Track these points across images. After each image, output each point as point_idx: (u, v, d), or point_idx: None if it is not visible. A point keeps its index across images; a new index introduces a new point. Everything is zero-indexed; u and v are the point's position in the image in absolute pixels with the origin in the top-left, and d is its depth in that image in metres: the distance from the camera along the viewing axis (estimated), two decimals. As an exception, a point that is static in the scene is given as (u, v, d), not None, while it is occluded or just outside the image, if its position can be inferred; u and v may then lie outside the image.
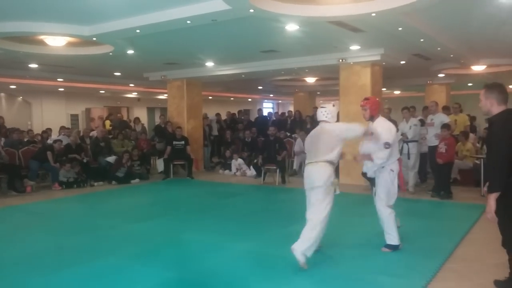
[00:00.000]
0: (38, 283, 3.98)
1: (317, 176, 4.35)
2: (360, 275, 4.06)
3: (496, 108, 3.34)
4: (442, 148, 7.57)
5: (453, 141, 7.95)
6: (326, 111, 4.52)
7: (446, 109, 9.56)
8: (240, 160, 11.31)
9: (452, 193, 7.61)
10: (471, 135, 10.54)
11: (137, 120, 13.97)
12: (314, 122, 11.73)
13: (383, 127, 4.68)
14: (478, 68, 11.25)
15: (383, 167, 4.69)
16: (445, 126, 7.77)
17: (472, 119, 13.59)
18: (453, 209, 6.93)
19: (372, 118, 4.78)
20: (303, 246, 4.15)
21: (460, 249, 4.81)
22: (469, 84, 16.79)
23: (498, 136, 3.24)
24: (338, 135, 4.40)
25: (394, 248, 4.68)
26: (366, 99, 4.87)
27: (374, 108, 4.76)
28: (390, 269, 4.20)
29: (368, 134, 4.63)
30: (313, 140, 4.54)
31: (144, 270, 4.25)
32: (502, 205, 3.19)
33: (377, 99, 5.03)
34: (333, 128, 4.46)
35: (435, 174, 8.03)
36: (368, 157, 4.75)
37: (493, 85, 3.40)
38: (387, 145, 4.57)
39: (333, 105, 4.61)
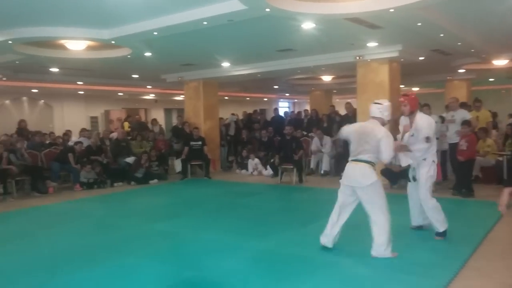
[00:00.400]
0: (61, 282, 4.05)
1: (363, 176, 4.40)
2: (381, 274, 4.02)
3: None
4: (463, 145, 7.44)
5: (474, 138, 7.80)
6: (382, 108, 4.54)
7: (464, 105, 9.39)
8: (256, 160, 11.32)
9: (474, 191, 7.47)
10: (493, 132, 10.34)
11: (154, 121, 14.11)
12: (331, 121, 11.71)
13: (424, 121, 4.90)
14: (500, 62, 11.00)
15: (424, 159, 4.92)
16: (466, 123, 7.63)
17: (494, 115, 13.31)
18: (475, 207, 6.81)
19: (412, 113, 4.98)
20: (381, 246, 4.33)
21: (482, 248, 4.72)
22: (490, 80, 16.45)
23: None
24: (377, 142, 4.36)
25: (445, 234, 4.92)
26: (405, 95, 5.10)
27: (414, 103, 5.00)
28: (412, 267, 4.15)
29: (401, 150, 4.88)
30: (361, 136, 4.49)
31: (162, 269, 4.30)
32: None
33: (415, 95, 5.19)
34: (380, 135, 4.36)
35: (456, 172, 7.90)
36: (406, 148, 4.91)
37: None
38: (428, 140, 4.81)
39: (389, 102, 4.70)
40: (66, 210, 7.62)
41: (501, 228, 5.45)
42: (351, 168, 4.50)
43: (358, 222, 5.41)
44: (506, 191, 3.18)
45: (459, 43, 8.38)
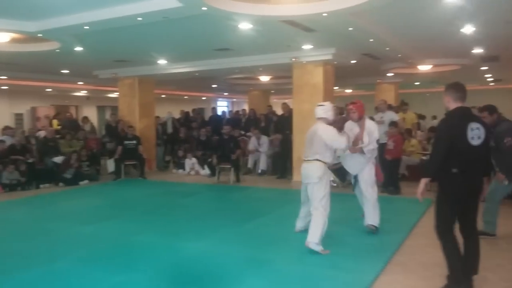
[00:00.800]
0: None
1: (311, 174, 4.79)
2: (309, 270, 4.14)
3: (452, 105, 3.58)
4: (390, 145, 7.86)
5: (401, 138, 8.26)
6: (324, 109, 4.93)
7: (391, 107, 9.91)
8: (194, 159, 11.20)
9: (400, 188, 7.92)
10: (418, 132, 11.01)
11: (85, 119, 13.43)
12: (268, 120, 11.87)
13: (372, 125, 5.47)
14: (424, 67, 11.74)
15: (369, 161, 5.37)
16: (393, 124, 8.05)
17: (420, 117, 14.19)
18: (401, 203, 7.19)
19: (360, 119, 5.38)
20: (314, 237, 4.59)
21: (407, 242, 5.01)
22: (416, 83, 17.51)
23: (440, 130, 3.62)
24: (325, 142, 4.76)
25: (377, 229, 5.28)
26: (353, 103, 5.47)
27: (362, 110, 5.41)
28: (339, 263, 4.31)
29: (356, 143, 5.23)
30: (310, 138, 4.90)
31: (93, 274, 4.11)
32: (437, 194, 3.63)
33: (361, 102, 5.60)
34: (324, 133, 4.76)
35: (384, 170, 8.30)
36: (360, 149, 5.27)
37: (449, 85, 3.66)
38: (377, 141, 5.44)
39: (330, 103, 5.13)
40: (-14, 214, 7.08)
41: (425, 223, 5.79)
42: (303, 167, 4.94)
43: (291, 220, 5.54)
44: (423, 181, 3.58)
45: (387, 48, 8.84)
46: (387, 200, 7.40)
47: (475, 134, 3.43)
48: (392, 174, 7.91)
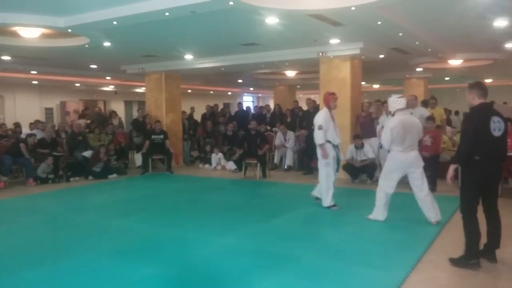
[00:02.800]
0: (13, 280, 3.86)
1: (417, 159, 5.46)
2: (339, 267, 4.08)
3: (477, 101, 4.03)
4: (428, 141, 7.55)
5: (439, 133, 7.92)
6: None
7: (424, 103, 9.68)
8: (220, 154, 11.23)
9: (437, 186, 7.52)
10: (448, 128, 10.73)
11: (113, 113, 13.66)
12: (294, 116, 11.78)
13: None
14: (455, 62, 11.42)
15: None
16: (431, 118, 7.79)
17: (448, 112, 13.84)
18: (437, 201, 6.97)
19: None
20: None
21: (438, 241, 4.89)
22: (446, 78, 17.09)
23: (468, 123, 4.06)
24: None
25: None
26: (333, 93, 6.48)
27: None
28: (370, 260, 4.24)
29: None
30: (410, 129, 5.41)
31: (123, 267, 4.17)
32: (461, 179, 4.11)
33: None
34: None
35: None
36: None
37: (473, 83, 4.10)
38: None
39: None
40: (19, 206, 7.28)
41: (457, 221, 5.61)
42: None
43: (318, 216, 5.48)
44: (452, 167, 4.10)
45: (417, 42, 8.62)
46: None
47: (497, 126, 3.91)
48: (430, 171, 7.38)
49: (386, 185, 5.54)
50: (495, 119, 3.93)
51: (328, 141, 6.28)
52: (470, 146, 3.89)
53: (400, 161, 5.41)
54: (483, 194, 4.04)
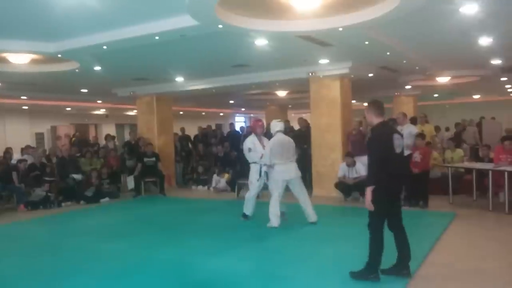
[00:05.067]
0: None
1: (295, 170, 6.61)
2: (335, 285, 4.05)
3: (375, 120, 4.19)
4: (417, 157, 7.62)
5: (428, 150, 7.99)
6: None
7: (412, 120, 9.78)
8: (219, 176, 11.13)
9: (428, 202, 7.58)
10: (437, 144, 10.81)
11: (109, 137, 13.61)
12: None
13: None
14: (443, 79, 11.61)
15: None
16: (420, 135, 7.87)
17: (437, 129, 13.95)
18: (424, 217, 7.01)
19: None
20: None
21: (430, 257, 4.87)
22: (435, 95, 17.32)
23: (375, 143, 4.11)
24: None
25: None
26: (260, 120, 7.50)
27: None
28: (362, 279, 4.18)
29: None
30: (287, 145, 6.67)
31: (114, 293, 4.10)
32: (373, 196, 4.01)
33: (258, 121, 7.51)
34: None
35: (409, 184, 8.07)
36: None
37: (369, 102, 4.30)
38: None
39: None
40: (10, 232, 7.20)
41: (449, 237, 5.67)
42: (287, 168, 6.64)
43: (312, 235, 5.44)
44: (369, 189, 4.00)
45: (405, 61, 8.77)
46: (409, 214, 7.21)
47: (398, 143, 4.06)
48: (421, 187, 7.58)
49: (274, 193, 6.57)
50: (396, 136, 4.09)
51: (254, 162, 7.04)
52: (381, 165, 3.97)
53: (282, 171, 6.51)
54: (390, 208, 4.12)
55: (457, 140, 11.00)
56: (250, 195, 7.14)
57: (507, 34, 6.84)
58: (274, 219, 6.51)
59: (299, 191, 6.64)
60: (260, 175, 6.94)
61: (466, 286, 3.96)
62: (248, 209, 7.17)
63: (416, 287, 3.99)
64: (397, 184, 4.15)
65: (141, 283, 4.31)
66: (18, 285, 4.40)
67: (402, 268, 4.12)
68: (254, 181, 7.05)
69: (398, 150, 4.07)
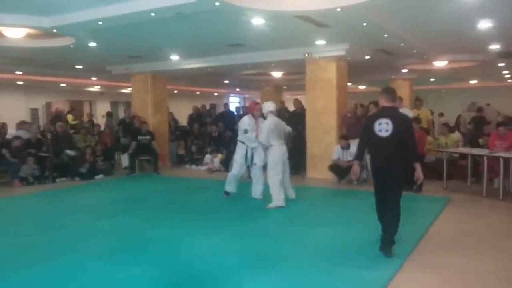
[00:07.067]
0: (0, 283, 3.83)
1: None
2: (325, 267, 4.11)
3: (384, 104, 4.46)
4: None
5: (423, 135, 8.00)
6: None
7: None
8: (211, 156, 11.19)
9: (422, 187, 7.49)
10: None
11: (109, 113, 13.56)
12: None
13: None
14: (440, 63, 11.58)
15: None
16: (415, 120, 7.88)
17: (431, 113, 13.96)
18: (417, 201, 7.02)
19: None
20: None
21: (424, 241, 4.92)
22: (431, 80, 17.30)
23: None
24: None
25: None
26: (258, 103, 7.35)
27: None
28: (356, 260, 4.26)
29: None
30: (280, 127, 6.88)
31: (109, 267, 4.17)
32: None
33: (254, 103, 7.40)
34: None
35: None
36: None
37: (383, 88, 4.55)
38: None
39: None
40: (4, 207, 7.22)
41: (442, 222, 5.75)
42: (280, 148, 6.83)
43: (303, 216, 5.52)
44: (355, 163, 4.59)
45: (402, 44, 8.73)
46: (407, 199, 7.25)
47: (383, 127, 4.27)
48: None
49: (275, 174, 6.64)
50: (382, 121, 4.29)
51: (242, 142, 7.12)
52: (363, 145, 4.53)
53: (282, 152, 6.71)
54: (382, 191, 4.38)
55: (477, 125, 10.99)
56: (232, 174, 7.28)
57: (507, 18, 6.80)
58: (278, 198, 6.60)
59: (284, 170, 6.87)
60: (246, 157, 7.07)
61: (459, 271, 4.00)
62: (230, 187, 7.32)
63: (410, 271, 4.03)
64: (379, 164, 4.44)
65: (131, 261, 4.35)
66: (13, 261, 4.44)
67: (382, 246, 4.37)
68: (238, 159, 7.15)
69: (383, 134, 4.27)
